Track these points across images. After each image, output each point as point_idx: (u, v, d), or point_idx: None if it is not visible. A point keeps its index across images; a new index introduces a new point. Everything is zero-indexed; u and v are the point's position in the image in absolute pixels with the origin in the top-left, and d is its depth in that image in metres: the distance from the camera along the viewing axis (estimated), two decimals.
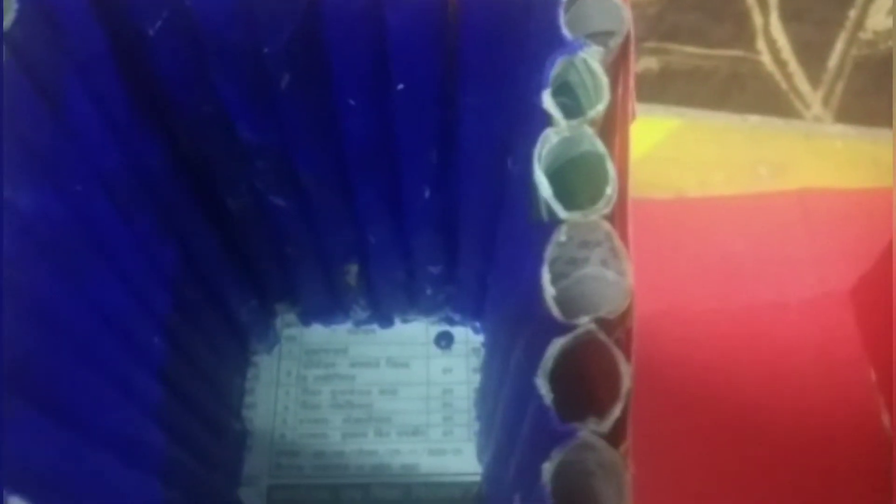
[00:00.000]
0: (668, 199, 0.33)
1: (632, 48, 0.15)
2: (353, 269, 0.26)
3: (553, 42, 0.14)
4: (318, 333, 0.30)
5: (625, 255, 0.14)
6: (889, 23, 0.41)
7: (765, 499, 0.27)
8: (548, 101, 0.13)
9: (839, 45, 0.43)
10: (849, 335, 0.30)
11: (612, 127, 0.15)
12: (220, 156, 0.20)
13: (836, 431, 0.29)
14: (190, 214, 0.21)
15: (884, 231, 0.29)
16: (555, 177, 0.13)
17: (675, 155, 0.34)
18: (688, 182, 0.34)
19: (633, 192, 0.35)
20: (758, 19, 0.55)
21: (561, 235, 0.13)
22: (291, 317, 0.30)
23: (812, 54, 0.41)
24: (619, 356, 0.13)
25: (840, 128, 0.37)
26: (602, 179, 0.13)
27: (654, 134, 0.35)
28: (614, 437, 0.13)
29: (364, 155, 0.20)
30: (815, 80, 0.40)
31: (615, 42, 0.14)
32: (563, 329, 0.13)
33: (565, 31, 0.14)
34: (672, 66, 0.53)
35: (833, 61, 0.41)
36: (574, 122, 0.13)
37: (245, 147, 0.20)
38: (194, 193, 0.21)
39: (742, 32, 0.56)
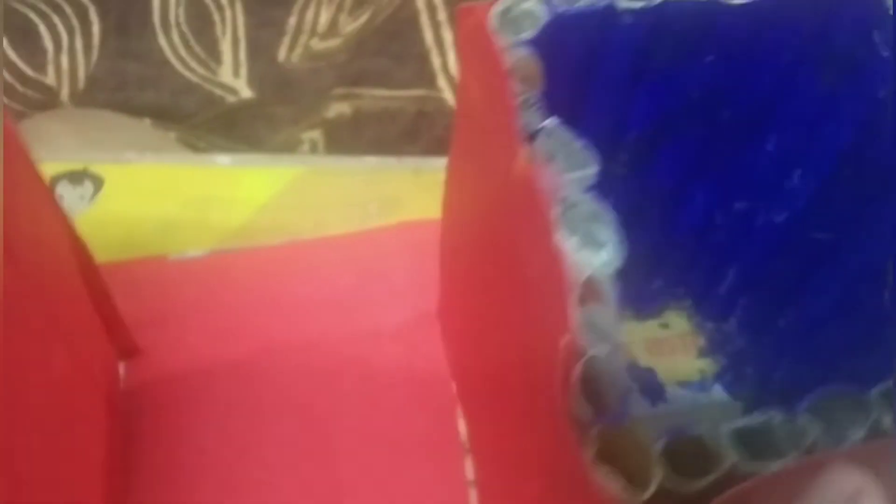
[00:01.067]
0: (280, 244, 0.36)
1: None
2: None
3: None
4: None
5: None
6: None
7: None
8: None
9: None
10: (435, 352, 0.34)
11: None
12: None
13: (418, 438, 0.32)
14: None
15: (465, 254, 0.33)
16: None
17: (295, 201, 0.38)
18: (304, 226, 0.37)
19: (248, 241, 0.38)
20: (436, 60, 0.60)
21: None
22: None
23: None
24: None
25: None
26: None
27: (275, 183, 0.38)
28: None
29: None
30: None
31: None
32: None
33: None
34: (363, 109, 0.58)
35: None
36: None
37: None
38: None
39: (423, 73, 0.61)
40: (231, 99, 0.58)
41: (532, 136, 0.18)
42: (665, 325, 0.34)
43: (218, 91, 0.60)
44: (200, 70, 0.63)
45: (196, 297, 0.35)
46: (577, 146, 0.18)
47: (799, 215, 0.25)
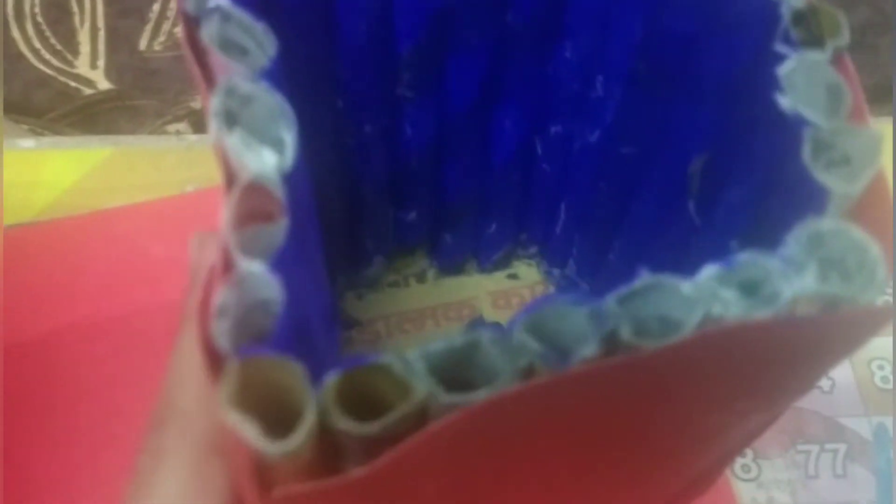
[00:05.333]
0: (86, 213, 0.32)
1: None
2: None
3: None
4: None
5: None
6: None
7: None
8: None
9: None
10: None
11: None
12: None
13: None
14: None
15: None
16: None
17: (105, 184, 0.34)
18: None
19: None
20: None
21: None
22: None
23: None
24: None
25: None
26: None
27: (83, 165, 0.34)
28: None
29: None
30: None
31: None
32: None
33: None
34: None
35: None
36: None
37: None
38: None
39: None
40: (87, 91, 0.54)
41: (197, 19, 0.15)
42: (514, 276, 0.31)
43: (73, 83, 0.55)
44: (56, 62, 0.59)
45: None
46: (256, 29, 0.15)
47: (610, 131, 0.22)
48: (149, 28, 0.58)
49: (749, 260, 0.12)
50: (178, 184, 0.34)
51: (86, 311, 0.31)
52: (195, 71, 0.15)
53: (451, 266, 0.30)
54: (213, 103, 0.14)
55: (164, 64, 0.58)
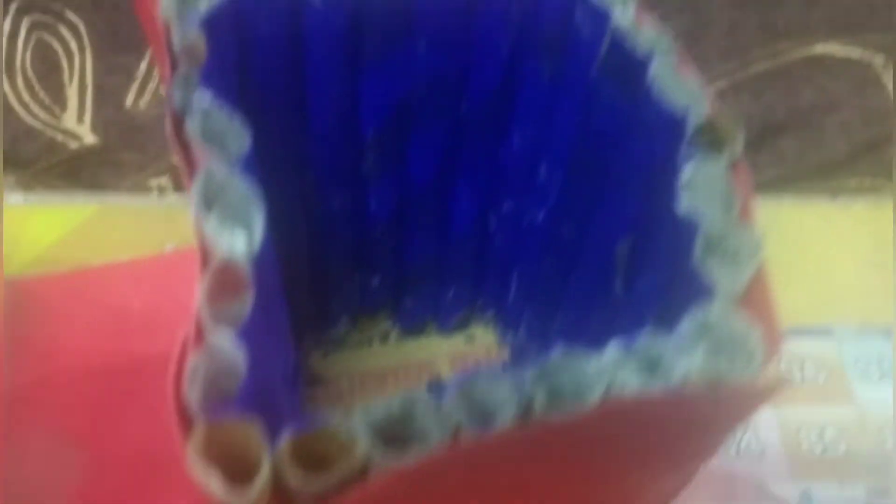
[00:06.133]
0: (67, 271, 0.34)
1: None
2: None
3: None
4: None
5: None
6: None
7: None
8: None
9: None
10: None
11: None
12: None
13: None
14: None
15: None
16: None
17: (88, 241, 0.35)
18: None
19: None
20: None
21: None
22: None
23: None
24: None
25: None
26: None
27: (67, 221, 0.36)
28: None
29: None
30: None
31: None
32: None
33: None
34: None
35: None
36: None
37: None
38: None
39: None
40: (74, 145, 0.56)
41: (182, 114, 0.17)
42: (471, 339, 0.33)
43: (60, 137, 0.58)
44: (43, 116, 0.61)
45: None
46: (233, 124, 0.17)
47: (553, 211, 0.24)
48: (135, 86, 0.60)
49: (647, 340, 0.14)
50: (158, 242, 0.36)
51: (64, 366, 0.32)
52: (179, 158, 0.17)
53: (412, 328, 0.32)
54: (193, 189, 0.16)
55: (149, 121, 0.60)
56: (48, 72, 0.62)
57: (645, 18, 0.18)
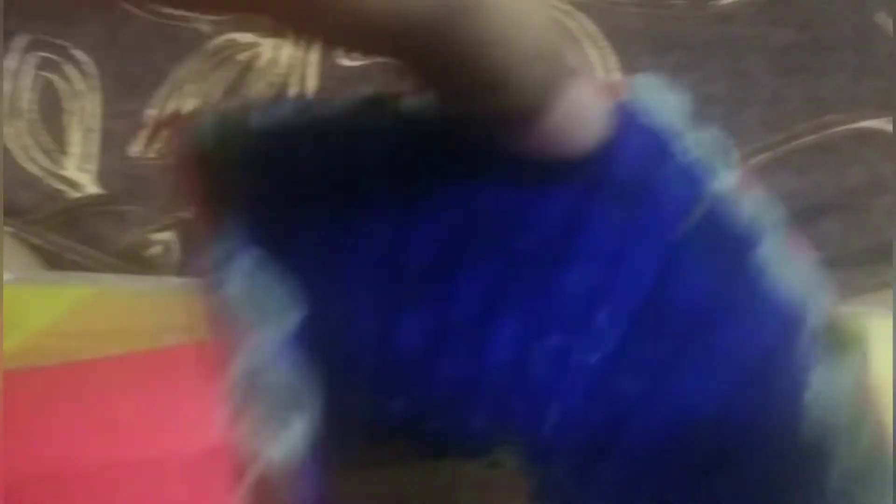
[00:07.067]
0: (56, 365, 0.31)
1: None
2: None
3: None
4: None
5: None
6: None
7: None
8: None
9: None
10: (222, 485, 0.29)
11: None
12: None
13: None
14: None
15: None
16: None
17: (78, 329, 0.33)
18: (85, 356, 0.32)
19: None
20: None
21: None
22: None
23: None
24: None
25: None
26: None
27: (57, 304, 0.33)
28: None
29: None
30: None
31: None
32: None
33: None
34: None
35: None
36: None
37: None
38: None
39: None
40: (74, 195, 0.53)
41: (220, 276, 0.14)
42: (494, 464, 0.30)
43: (59, 185, 0.55)
44: (44, 161, 0.58)
45: None
46: (277, 293, 0.14)
47: (610, 359, 0.22)
48: (143, 133, 0.58)
49: None
50: (155, 332, 0.33)
51: (47, 467, 0.29)
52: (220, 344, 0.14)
53: (432, 451, 0.29)
54: (231, 373, 0.13)
55: (155, 171, 0.57)
56: (53, 115, 0.59)
57: (750, 182, 0.16)
